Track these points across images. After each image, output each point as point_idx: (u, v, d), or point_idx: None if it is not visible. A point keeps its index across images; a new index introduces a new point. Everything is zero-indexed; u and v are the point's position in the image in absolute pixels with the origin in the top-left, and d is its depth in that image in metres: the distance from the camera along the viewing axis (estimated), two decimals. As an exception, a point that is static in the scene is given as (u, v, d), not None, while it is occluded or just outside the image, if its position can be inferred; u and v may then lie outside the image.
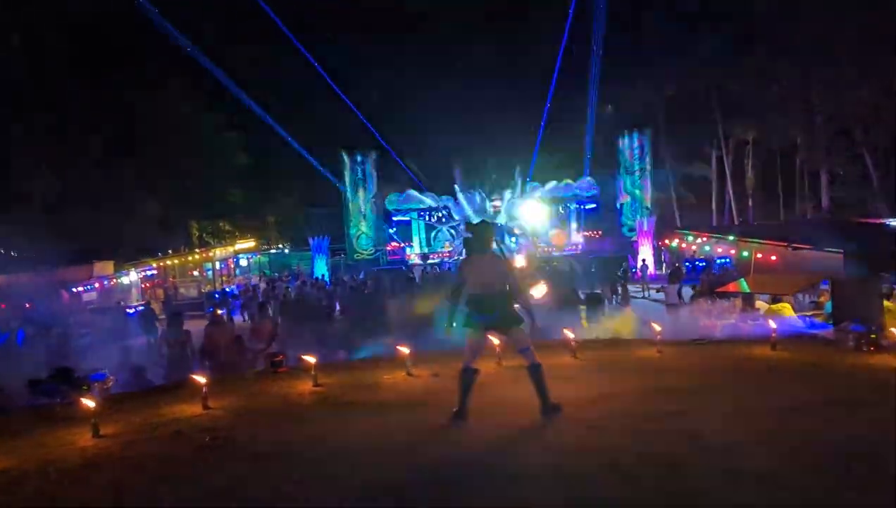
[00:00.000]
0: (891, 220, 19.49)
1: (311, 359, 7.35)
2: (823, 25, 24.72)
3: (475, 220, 33.64)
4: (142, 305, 26.05)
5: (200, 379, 6.57)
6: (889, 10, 21.78)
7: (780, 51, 27.54)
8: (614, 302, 18.75)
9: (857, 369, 6.76)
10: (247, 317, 20.14)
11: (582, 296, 17.54)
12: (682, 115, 36.23)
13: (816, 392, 5.91)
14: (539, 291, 6.31)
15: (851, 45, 24.04)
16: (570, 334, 8.13)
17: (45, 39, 28.68)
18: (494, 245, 6.06)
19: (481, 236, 5.99)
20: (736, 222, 35.79)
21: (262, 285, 28.62)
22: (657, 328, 8.37)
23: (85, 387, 6.65)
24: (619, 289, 18.62)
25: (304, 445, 5.24)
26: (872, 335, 7.87)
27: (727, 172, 36.86)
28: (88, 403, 5.84)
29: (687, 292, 20.77)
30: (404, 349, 7.61)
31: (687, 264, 25.61)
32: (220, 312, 13.78)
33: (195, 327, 11.21)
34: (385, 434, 5.38)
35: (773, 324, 8.10)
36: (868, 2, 22.61)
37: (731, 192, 37.07)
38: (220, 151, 37.74)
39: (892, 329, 7.68)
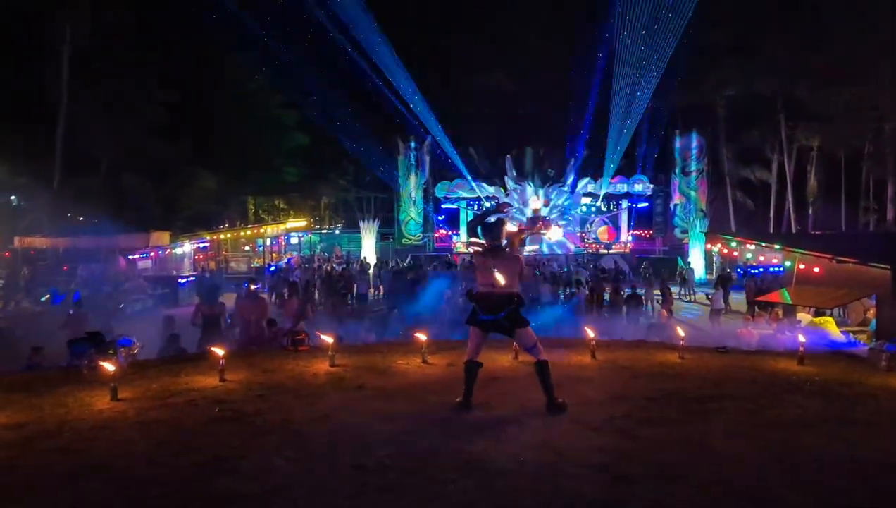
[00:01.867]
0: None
1: (329, 339, 7.49)
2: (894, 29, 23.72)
3: (525, 212, 33.70)
4: (193, 275, 26.91)
5: (219, 352, 6.77)
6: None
7: (849, 55, 26.48)
8: (657, 304, 18.50)
9: (882, 390, 6.53)
10: (274, 296, 20.38)
11: (624, 296, 17.44)
12: (743, 117, 35.28)
13: (831, 411, 5.74)
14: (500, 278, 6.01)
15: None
16: (590, 333, 8.07)
17: (113, 9, 29.58)
18: (505, 241, 6.01)
19: (496, 233, 5.95)
20: (794, 231, 34.75)
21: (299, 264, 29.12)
22: (681, 332, 8.24)
23: (111, 351, 6.92)
24: (664, 291, 18.31)
25: (306, 423, 5.36)
26: (906, 357, 7.59)
27: (788, 178, 35.73)
28: (108, 367, 6.08)
29: (738, 298, 20.42)
30: (421, 337, 7.68)
31: (739, 270, 25.04)
32: (254, 287, 14.09)
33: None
34: (387, 419, 5.46)
35: (802, 338, 7.87)
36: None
37: (790, 199, 35.94)
38: (279, 130, 38.47)
39: (929, 352, 7.37)
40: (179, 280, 25.42)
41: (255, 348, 8.98)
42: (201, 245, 30.40)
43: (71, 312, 12.98)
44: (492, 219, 6.10)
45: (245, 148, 35.55)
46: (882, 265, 10.63)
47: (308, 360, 7.64)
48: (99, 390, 6.15)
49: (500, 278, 5.72)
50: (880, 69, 25.96)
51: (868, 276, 10.93)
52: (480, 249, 6.06)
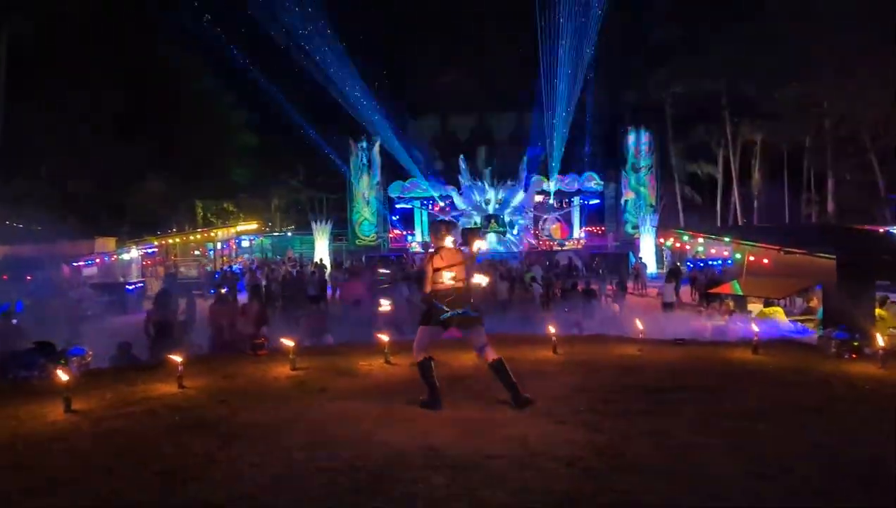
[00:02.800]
0: (893, 228, 19.41)
1: (289, 343, 7.39)
2: (835, 27, 24.52)
3: (478, 212, 33.85)
4: (140, 282, 26.26)
5: (176, 358, 6.61)
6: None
7: (791, 52, 27.28)
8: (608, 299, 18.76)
9: (835, 376, 6.73)
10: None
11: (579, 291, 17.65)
12: (690, 113, 36.08)
13: (788, 398, 5.90)
14: (481, 279, 6.26)
15: (862, 49, 23.84)
16: (552, 329, 8.14)
17: (60, 6, 28.65)
18: (450, 241, 6.10)
19: (442, 231, 6.15)
20: (740, 224, 35.66)
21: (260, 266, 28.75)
22: (640, 326, 8.37)
23: (63, 361, 6.70)
24: (615, 285, 18.60)
25: (271, 427, 5.27)
26: (855, 343, 7.84)
27: (733, 172, 36.67)
28: (62, 377, 5.88)
29: (686, 292, 20.86)
30: (384, 337, 7.63)
31: (689, 264, 25.57)
32: (223, 290, 13.87)
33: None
34: (353, 420, 5.41)
35: (755, 328, 8.07)
36: (881, 4, 22.36)
37: (736, 193, 36.89)
38: (227, 130, 37.82)
39: (878, 337, 7.62)
40: (127, 287, 24.77)
41: (227, 352, 8.82)
42: (149, 251, 29.67)
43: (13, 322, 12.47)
44: (445, 219, 6.25)
45: (193, 150, 34.84)
46: (827, 255, 10.95)
47: (268, 364, 7.52)
48: (51, 401, 5.93)
49: (475, 276, 6.00)
50: (822, 66, 26.80)
51: (814, 266, 11.26)
52: (435, 248, 6.09)
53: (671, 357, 7.79)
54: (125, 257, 27.98)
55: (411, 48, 37.83)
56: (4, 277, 24.31)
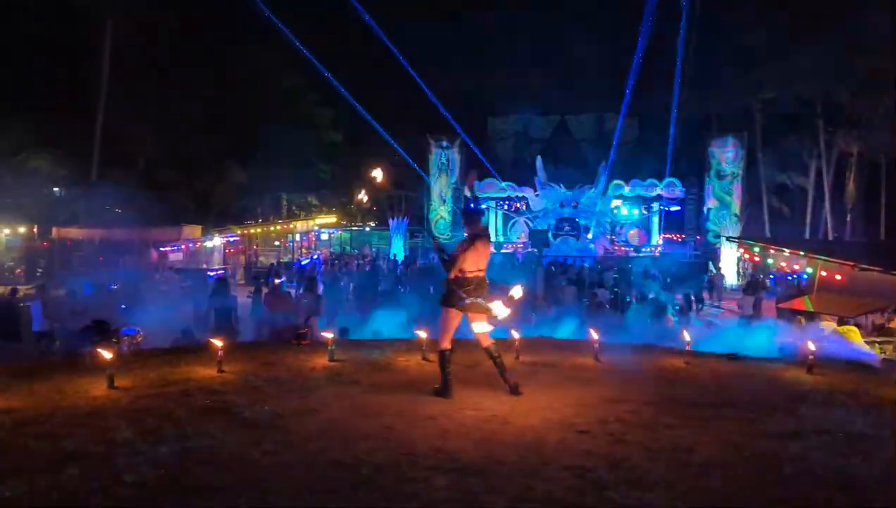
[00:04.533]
0: None
1: (329, 335, 7.53)
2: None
3: (553, 214, 33.48)
4: (223, 268, 27.32)
5: (218, 343, 6.84)
6: None
7: (890, 60, 25.74)
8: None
9: (889, 402, 6.32)
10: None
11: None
12: (782, 121, 34.53)
13: (831, 421, 5.57)
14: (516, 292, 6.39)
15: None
16: (594, 335, 7.97)
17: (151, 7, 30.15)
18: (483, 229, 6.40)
19: (478, 221, 6.49)
20: (831, 238, 33.90)
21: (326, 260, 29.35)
22: (687, 337, 8.09)
23: (115, 340, 7.04)
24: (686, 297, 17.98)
25: (294, 416, 5.39)
26: (922, 369, 7.35)
27: (826, 184, 34.87)
28: (106, 355, 6.19)
29: (770, 306, 19.96)
30: (422, 334, 7.66)
31: (772, 277, 24.51)
32: (278, 281, 14.28)
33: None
34: (374, 415, 5.47)
35: (812, 346, 7.66)
36: None
37: (828, 206, 35.08)
38: (313, 128, 38.78)
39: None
40: (209, 273, 25.81)
41: (274, 341, 9.08)
42: (231, 239, 30.81)
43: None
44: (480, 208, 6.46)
45: (279, 145, 35.90)
46: (907, 275, 10.31)
47: (308, 355, 7.69)
48: (97, 377, 6.26)
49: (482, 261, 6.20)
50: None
51: (892, 285, 10.62)
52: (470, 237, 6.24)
53: (719, 372, 7.49)
54: (208, 244, 29.18)
55: (493, 47, 37.80)
56: (101, 258, 25.85)
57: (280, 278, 18.21)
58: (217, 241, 29.67)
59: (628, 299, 17.53)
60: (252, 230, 31.84)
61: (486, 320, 6.21)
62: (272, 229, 32.34)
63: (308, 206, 44.71)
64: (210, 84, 32.28)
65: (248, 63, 34.17)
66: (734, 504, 3.88)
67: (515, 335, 7.64)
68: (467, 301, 6.06)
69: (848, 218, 34.90)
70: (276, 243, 34.07)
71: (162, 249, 26.78)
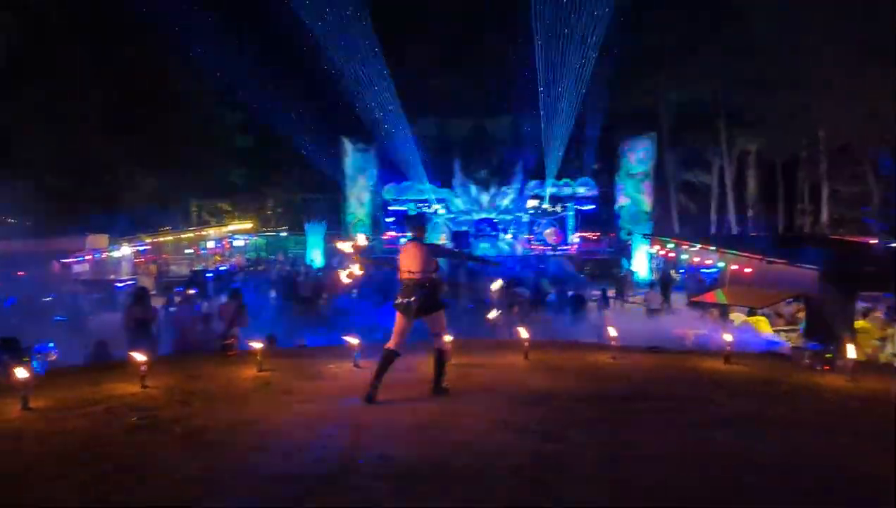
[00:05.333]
0: (884, 241, 19.29)
1: (257, 345, 7.35)
2: (829, 38, 24.50)
3: (474, 214, 33.85)
4: (132, 279, 26.18)
5: (140, 358, 6.56)
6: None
7: (787, 61, 27.25)
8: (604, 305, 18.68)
9: (802, 388, 6.69)
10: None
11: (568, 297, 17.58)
12: (685, 121, 36.02)
13: (751, 409, 5.85)
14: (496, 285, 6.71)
15: (854, 59, 23.81)
16: (524, 333, 8.09)
17: (51, 5, 28.65)
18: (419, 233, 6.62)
19: (417, 225, 6.67)
20: (734, 233, 35.59)
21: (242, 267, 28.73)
22: (613, 333, 8.33)
23: (26, 358, 6.64)
24: (602, 293, 18.52)
25: (227, 430, 5.23)
26: (828, 355, 7.80)
27: (728, 181, 36.62)
28: (20, 374, 5.83)
29: (680, 299, 20.78)
30: (353, 341, 7.58)
31: (682, 271, 25.48)
32: (190, 292, 13.83)
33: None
34: (310, 425, 5.37)
35: (728, 337, 8.03)
36: (872, 16, 22.32)
37: (731, 202, 36.85)
38: (223, 131, 37.76)
39: (849, 349, 7.57)
40: (117, 285, 24.70)
41: (191, 352, 8.76)
42: (141, 248, 29.59)
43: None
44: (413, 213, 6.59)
45: (189, 149, 34.77)
46: (810, 266, 10.92)
47: (237, 365, 7.48)
48: (9, 398, 5.89)
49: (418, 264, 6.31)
50: (813, 77, 26.76)
51: (797, 276, 11.23)
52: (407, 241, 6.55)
53: (644, 365, 7.75)
54: (116, 254, 27.91)
55: (409, 50, 37.73)
56: (-5, 272, 24.33)
57: (193, 288, 17.62)
58: (125, 250, 28.41)
59: (551, 297, 17.91)
60: (162, 239, 30.67)
61: (437, 318, 6.39)
62: (184, 236, 31.26)
63: (220, 212, 43.48)
64: (113, 89, 30.91)
65: (154, 66, 32.92)
66: (669, 493, 4.01)
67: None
68: (399, 302, 6.29)
69: (749, 214, 36.72)
70: (188, 251, 32.95)
71: (65, 260, 25.43)
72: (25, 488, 4.08)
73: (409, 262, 6.32)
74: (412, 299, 6.19)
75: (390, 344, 6.28)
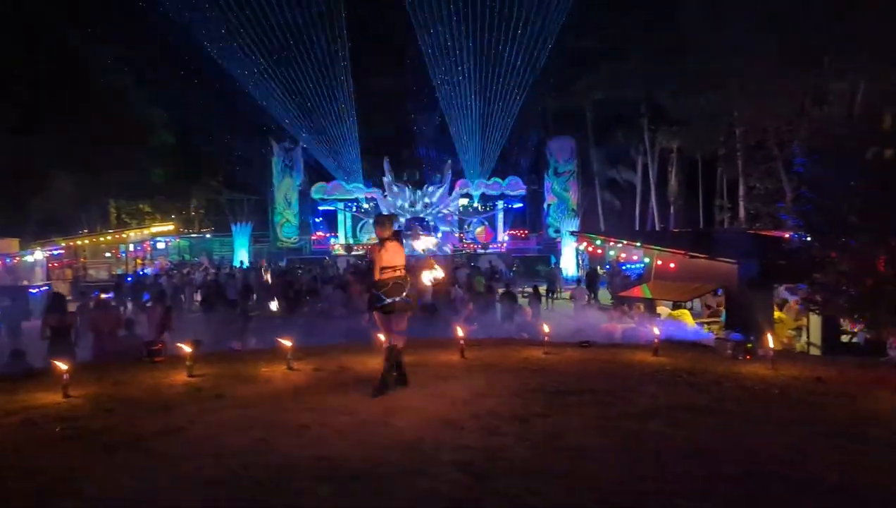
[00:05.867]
0: (797, 235, 20.16)
1: (187, 348, 7.14)
2: (746, 37, 25.50)
3: (403, 213, 33.82)
4: (46, 285, 25.03)
5: (62, 366, 6.28)
6: (804, 25, 22.61)
7: (704, 64, 28.26)
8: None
9: (726, 377, 6.96)
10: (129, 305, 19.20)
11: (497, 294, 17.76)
12: (610, 119, 36.95)
13: (680, 399, 6.06)
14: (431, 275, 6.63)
15: (769, 58, 24.86)
16: (460, 332, 8.14)
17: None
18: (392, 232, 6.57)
19: (391, 224, 6.60)
20: (657, 229, 36.70)
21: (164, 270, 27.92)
22: (546, 328, 8.47)
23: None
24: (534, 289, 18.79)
25: (158, 436, 5.06)
26: (749, 345, 8.14)
27: (651, 178, 37.75)
28: (-71, 387, 5.51)
29: (605, 294, 21.31)
30: (286, 343, 7.46)
31: (608, 267, 26.11)
32: (104, 296, 13.36)
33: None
34: (245, 428, 5.25)
35: (656, 330, 8.28)
36: (788, 17, 23.35)
37: (654, 199, 37.99)
38: (143, 129, 36.47)
39: (769, 339, 7.92)
40: (31, 291, 23.57)
41: (109, 359, 8.42)
42: (55, 252, 28.32)
43: None
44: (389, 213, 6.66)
45: (107, 148, 33.41)
46: (729, 260, 11.36)
47: (165, 371, 7.25)
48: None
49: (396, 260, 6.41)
50: (731, 78, 27.82)
51: (718, 270, 11.67)
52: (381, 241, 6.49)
53: (576, 360, 7.90)
54: (29, 258, 26.63)
55: (333, 48, 37.38)
56: None
57: (107, 292, 16.99)
58: (38, 255, 27.14)
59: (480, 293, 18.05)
60: (79, 242, 29.45)
61: (405, 319, 6.53)
62: (103, 239, 30.09)
63: (140, 213, 42.02)
64: (23, 81, 29.41)
65: (68, 58, 31.49)
66: (607, 483, 4.11)
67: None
68: (386, 301, 6.31)
69: (671, 210, 37.92)
70: (108, 254, 31.75)
71: (-29, 266, 24.14)
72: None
73: (395, 259, 6.40)
74: (404, 295, 6.34)
75: (389, 341, 6.42)
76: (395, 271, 6.36)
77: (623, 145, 38.27)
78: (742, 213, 34.33)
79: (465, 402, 6.00)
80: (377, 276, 6.38)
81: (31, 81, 29.43)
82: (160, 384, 6.72)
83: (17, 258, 25.94)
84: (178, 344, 7.44)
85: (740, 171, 33.73)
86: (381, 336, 6.65)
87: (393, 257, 6.39)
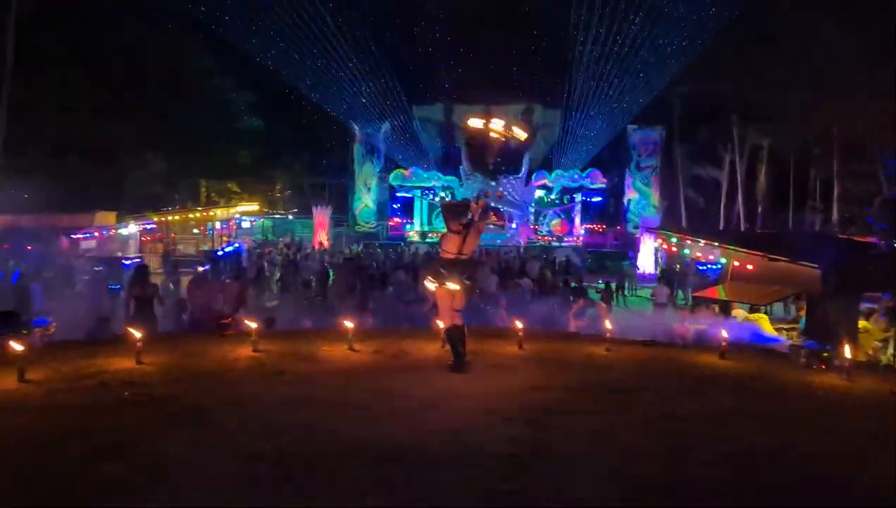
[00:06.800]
0: (886, 241, 19.11)
1: (252, 324, 7.39)
2: (845, 36, 24.31)
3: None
4: (138, 257, 26.34)
5: (136, 334, 6.62)
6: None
7: (799, 60, 27.05)
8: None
9: (795, 386, 6.68)
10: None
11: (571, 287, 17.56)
12: (697, 114, 35.79)
13: (741, 405, 5.85)
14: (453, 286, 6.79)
15: (866, 58, 23.63)
16: (518, 324, 8.10)
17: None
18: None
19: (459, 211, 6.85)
20: (742, 229, 35.44)
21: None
22: (609, 325, 8.33)
23: (25, 331, 6.71)
24: (606, 285, 18.50)
25: (215, 408, 5.28)
26: (825, 354, 7.78)
27: (739, 177, 36.42)
28: (16, 347, 5.90)
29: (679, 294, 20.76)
30: (348, 324, 7.62)
31: (686, 265, 25.40)
32: (201, 269, 13.91)
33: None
34: (298, 406, 5.40)
35: (724, 333, 8.02)
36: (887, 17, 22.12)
37: (741, 197, 36.66)
38: (232, 112, 37.81)
39: (846, 349, 7.55)
40: (124, 262, 24.85)
41: (196, 331, 8.83)
42: (147, 227, 29.75)
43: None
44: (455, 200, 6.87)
45: (197, 130, 34.82)
46: (811, 264, 10.85)
47: (232, 345, 7.52)
48: (6, 370, 5.95)
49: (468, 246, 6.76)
50: (827, 75, 26.55)
51: (799, 274, 11.17)
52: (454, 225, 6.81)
53: (637, 358, 7.74)
54: (123, 232, 28.09)
55: (421, 36, 37.64)
56: (6, 246, 24.52)
57: (204, 265, 17.70)
58: (132, 229, 28.59)
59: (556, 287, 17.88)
60: (170, 218, 30.82)
61: (462, 298, 6.79)
62: (191, 216, 31.38)
63: (228, 193, 43.61)
64: (120, 66, 30.96)
65: (162, 44, 32.88)
66: (653, 484, 4.04)
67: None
68: (442, 273, 6.69)
69: (759, 210, 36.54)
70: (196, 230, 33.08)
71: (73, 236, 25.63)
72: (16, 459, 4.13)
73: (451, 246, 6.75)
74: (462, 276, 6.68)
75: (446, 322, 6.80)
76: (456, 252, 6.69)
77: (709, 141, 36.99)
78: (835, 216, 32.77)
79: (517, 394, 5.99)
80: (442, 254, 6.80)
81: (128, 66, 30.88)
82: (226, 358, 6.99)
83: (114, 231, 27.39)
84: (247, 321, 7.69)
85: (835, 172, 32.20)
86: (440, 323, 6.85)
87: (449, 244, 6.73)
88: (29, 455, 4.19)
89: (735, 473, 4.24)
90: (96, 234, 26.82)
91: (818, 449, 4.78)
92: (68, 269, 21.37)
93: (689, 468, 4.29)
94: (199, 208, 33.16)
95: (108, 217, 27.87)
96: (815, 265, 10.86)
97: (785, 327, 13.31)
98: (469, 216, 6.77)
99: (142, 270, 10.75)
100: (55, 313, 10.42)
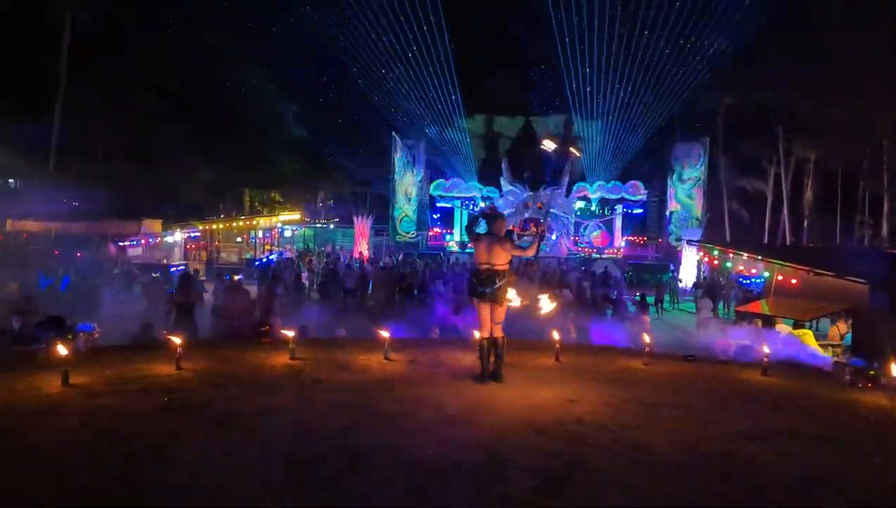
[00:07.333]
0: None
1: (290, 333, 7.47)
2: (881, 44, 23.67)
3: (519, 213, 33.72)
4: (183, 264, 26.89)
5: (176, 340, 6.75)
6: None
7: (847, 71, 26.40)
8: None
9: (840, 404, 6.50)
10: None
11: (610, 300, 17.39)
12: (742, 126, 35.14)
13: (785, 423, 5.71)
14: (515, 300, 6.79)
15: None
16: (556, 335, 8.04)
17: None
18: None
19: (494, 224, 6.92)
20: (788, 243, 34.66)
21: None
22: (647, 339, 8.21)
23: (70, 336, 6.89)
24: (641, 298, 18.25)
25: (254, 415, 5.34)
26: (871, 372, 7.55)
27: (784, 190, 35.65)
28: (61, 351, 6.06)
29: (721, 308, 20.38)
30: (384, 333, 7.65)
31: (731, 278, 24.93)
32: (237, 278, 14.13)
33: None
34: (337, 414, 5.43)
35: (766, 349, 7.84)
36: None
37: (786, 211, 35.86)
38: (277, 122, 38.41)
39: (893, 366, 7.32)
40: (170, 269, 25.39)
41: (233, 339, 8.97)
42: (192, 235, 30.36)
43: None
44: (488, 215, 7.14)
45: (243, 139, 35.47)
46: (859, 280, 10.56)
47: (269, 352, 7.62)
48: (51, 374, 6.12)
49: (493, 256, 6.71)
50: (877, 87, 25.87)
51: (846, 290, 10.87)
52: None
53: (677, 373, 7.62)
54: (169, 239, 28.72)
55: (462, 49, 37.77)
56: (56, 252, 25.26)
57: (239, 275, 17.99)
58: (178, 236, 29.22)
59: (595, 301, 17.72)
60: (214, 226, 31.40)
61: (502, 310, 6.75)
62: (234, 225, 31.93)
63: (271, 202, 44.28)
64: (172, 76, 31.74)
65: (211, 55, 33.66)
66: (690, 503, 3.95)
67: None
68: (479, 291, 6.68)
69: (805, 224, 35.71)
70: (239, 239, 33.66)
71: (120, 243, 26.29)
72: (57, 460, 4.24)
73: (482, 255, 6.77)
74: (496, 286, 6.66)
75: (481, 334, 6.77)
76: (487, 264, 6.67)
77: (755, 153, 36.27)
78: (885, 230, 31.85)
79: (553, 407, 5.93)
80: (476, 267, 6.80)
81: (177, 76, 31.64)
82: (264, 365, 7.08)
83: (160, 238, 28.01)
84: (282, 329, 7.77)
85: (885, 185, 31.31)
86: (476, 334, 6.85)
87: (481, 254, 6.75)
88: (71, 457, 4.29)
89: (783, 495, 4.13)
90: (143, 241, 27.48)
91: (867, 470, 4.63)
92: (128, 275, 21.97)
93: (733, 490, 4.18)
94: (243, 217, 33.71)
95: (154, 225, 28.53)
96: (863, 281, 10.56)
97: (831, 343, 12.96)
98: (487, 228, 6.87)
99: (185, 278, 10.95)
100: (101, 318, 10.68)
